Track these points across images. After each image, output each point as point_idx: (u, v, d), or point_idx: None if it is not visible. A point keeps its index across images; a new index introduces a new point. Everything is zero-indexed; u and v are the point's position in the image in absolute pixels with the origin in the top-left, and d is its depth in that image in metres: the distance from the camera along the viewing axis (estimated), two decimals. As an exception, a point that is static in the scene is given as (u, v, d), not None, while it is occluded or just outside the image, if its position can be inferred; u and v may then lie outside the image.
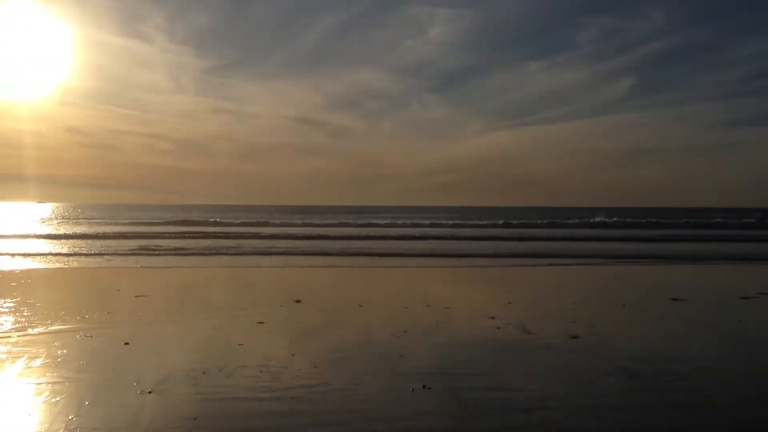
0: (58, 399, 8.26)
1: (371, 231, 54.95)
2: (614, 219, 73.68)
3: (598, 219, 73.25)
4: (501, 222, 70.37)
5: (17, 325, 12.97)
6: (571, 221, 72.14)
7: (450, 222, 72.31)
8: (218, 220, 70.63)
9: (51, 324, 13.14)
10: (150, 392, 8.59)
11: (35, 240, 43.20)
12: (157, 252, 33.43)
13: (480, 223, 70.11)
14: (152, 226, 60.16)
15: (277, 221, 71.18)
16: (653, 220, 73.79)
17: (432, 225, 66.76)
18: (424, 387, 8.83)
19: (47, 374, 9.40)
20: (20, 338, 11.84)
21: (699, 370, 9.72)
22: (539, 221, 71.82)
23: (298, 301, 16.43)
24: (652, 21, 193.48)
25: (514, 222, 70.93)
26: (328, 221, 73.65)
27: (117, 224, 66.44)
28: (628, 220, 73.32)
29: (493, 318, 14.11)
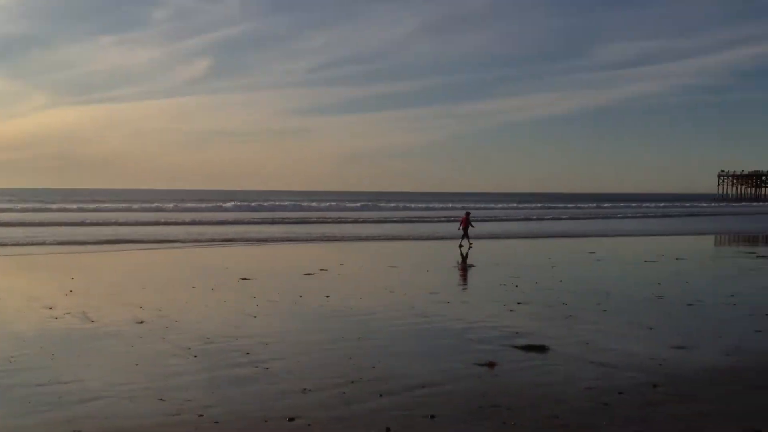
0: None
1: None
2: (188, 203, 74.79)
3: (173, 204, 73.63)
4: (74, 206, 66.12)
5: None
6: (150, 204, 71.35)
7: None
8: None
9: None
10: None
11: None
12: None
13: (51, 207, 64.87)
14: None
15: None
16: (234, 203, 76.81)
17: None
18: (-40, 389, 8.02)
19: None
20: None
21: (260, 345, 10.54)
22: (106, 205, 69.49)
23: None
24: (227, 6, 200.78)
25: (91, 206, 67.38)
26: None
27: None
28: (204, 205, 75.17)
29: (51, 308, 13.36)
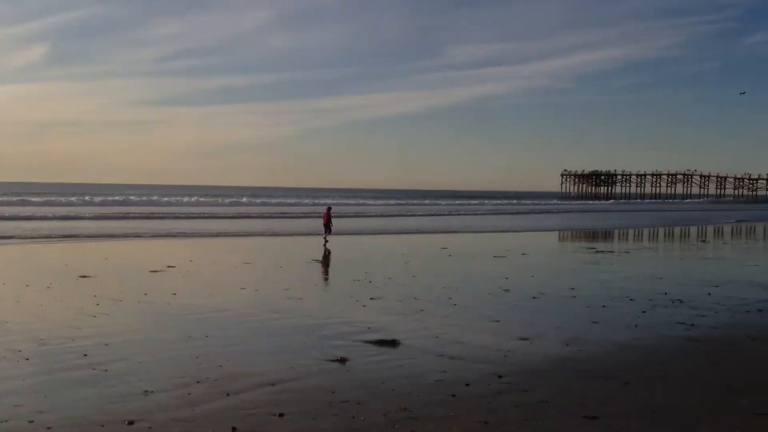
0: None
1: None
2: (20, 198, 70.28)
3: (6, 197, 69.05)
4: None
5: None
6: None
7: None
8: None
9: None
10: None
11: None
12: None
13: None
14: None
15: None
16: (77, 197, 72.99)
17: None
18: None
19: None
20: None
21: (100, 345, 10.03)
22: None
23: None
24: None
25: None
26: None
27: None
28: (42, 199, 71.04)
29: None
